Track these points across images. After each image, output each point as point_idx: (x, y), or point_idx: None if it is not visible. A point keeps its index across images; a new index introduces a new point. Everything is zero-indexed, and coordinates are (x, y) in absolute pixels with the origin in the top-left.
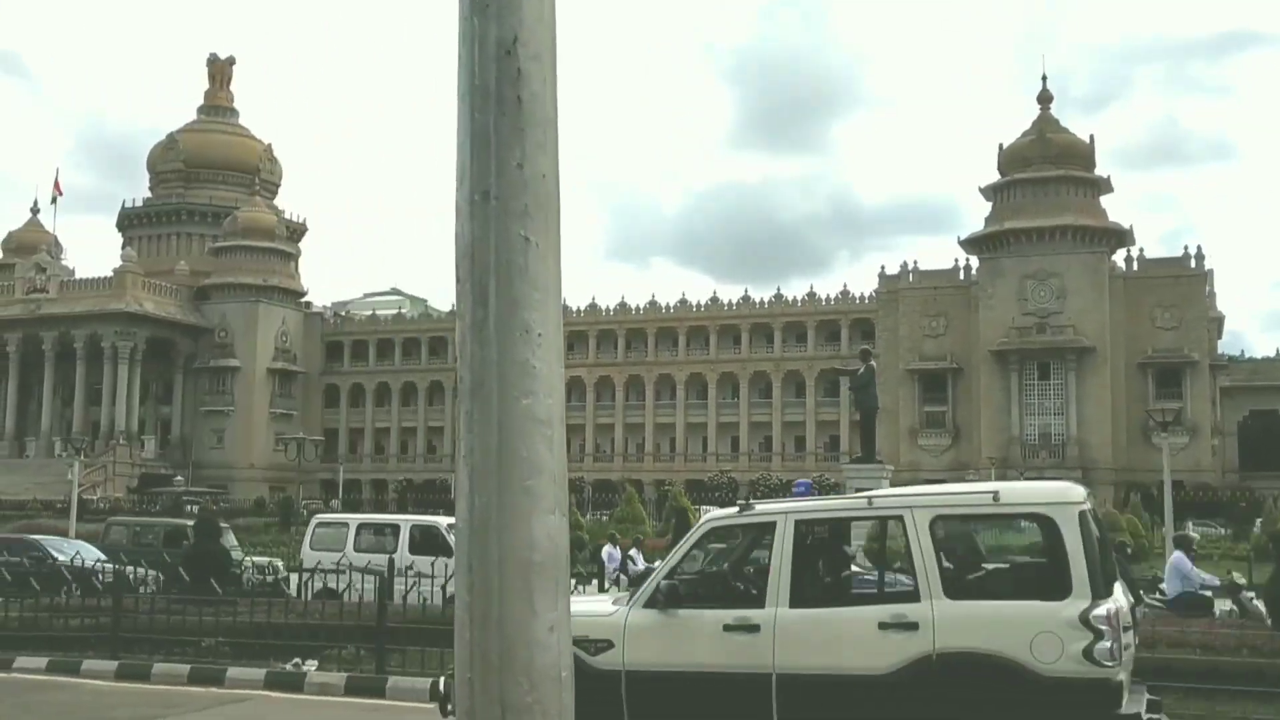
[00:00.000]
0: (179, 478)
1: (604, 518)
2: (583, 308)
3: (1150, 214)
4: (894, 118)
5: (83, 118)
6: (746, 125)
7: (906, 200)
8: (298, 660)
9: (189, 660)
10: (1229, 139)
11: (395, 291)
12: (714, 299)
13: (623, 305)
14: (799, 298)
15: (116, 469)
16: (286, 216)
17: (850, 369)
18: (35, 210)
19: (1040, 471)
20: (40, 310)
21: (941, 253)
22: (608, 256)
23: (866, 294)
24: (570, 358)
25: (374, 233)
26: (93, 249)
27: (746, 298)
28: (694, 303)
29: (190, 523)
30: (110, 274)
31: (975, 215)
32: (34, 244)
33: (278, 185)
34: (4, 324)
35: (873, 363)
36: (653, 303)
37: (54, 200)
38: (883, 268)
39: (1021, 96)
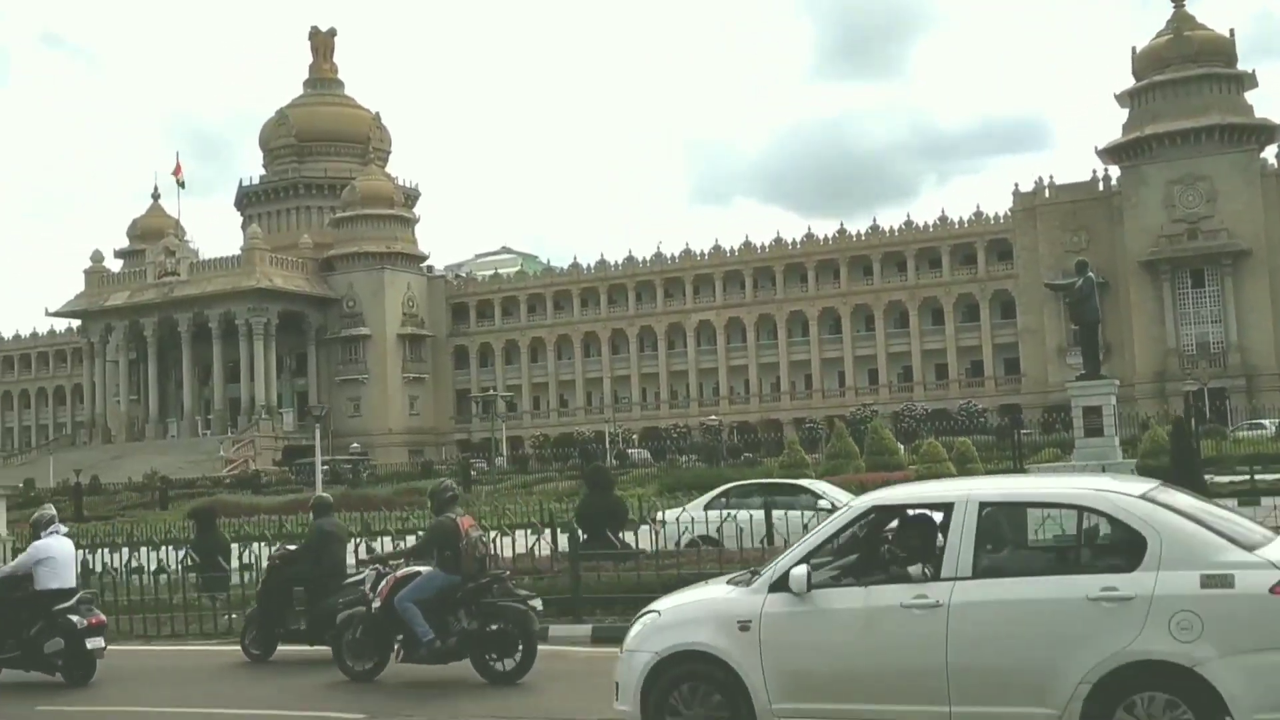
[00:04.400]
0: (355, 444)
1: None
2: (706, 250)
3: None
4: (973, 37)
5: (165, 105)
6: (825, 57)
7: (991, 120)
8: None
9: None
10: None
11: (506, 250)
12: (841, 230)
13: (747, 244)
14: (930, 222)
15: (260, 443)
16: (399, 183)
17: (1064, 282)
18: (156, 196)
19: (1203, 383)
20: (173, 293)
21: (1041, 169)
22: (691, 201)
23: (1001, 213)
24: (697, 300)
25: (480, 193)
26: (200, 230)
27: (875, 226)
28: (820, 236)
29: None
30: (237, 252)
31: (1069, 129)
32: (159, 229)
33: (388, 153)
34: (140, 309)
35: (1091, 274)
36: (778, 239)
37: (180, 184)
38: (1016, 185)
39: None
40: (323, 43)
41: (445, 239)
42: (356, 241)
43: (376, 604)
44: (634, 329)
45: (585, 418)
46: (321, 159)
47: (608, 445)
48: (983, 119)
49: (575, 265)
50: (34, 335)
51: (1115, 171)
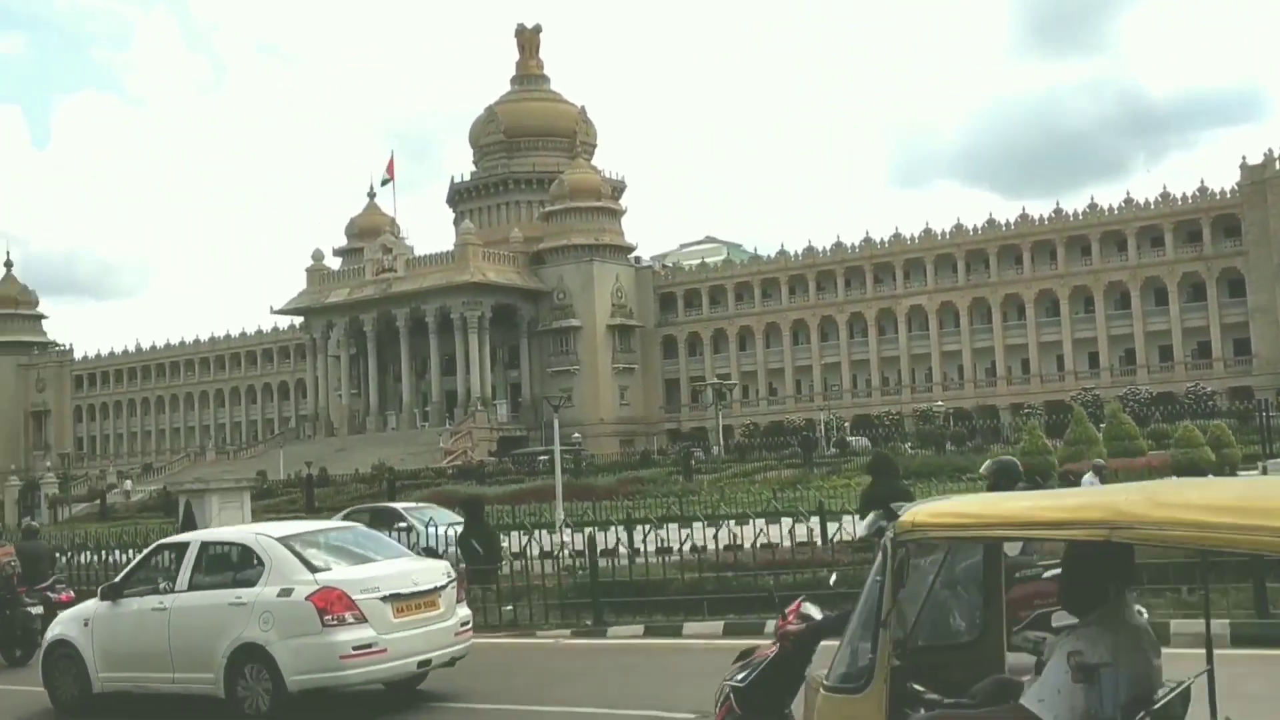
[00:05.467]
0: (576, 435)
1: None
2: (916, 234)
3: None
4: (1181, 6)
5: (377, 107)
6: (1024, 34)
7: (1204, 93)
8: None
9: None
10: None
11: (710, 239)
12: (1057, 210)
13: (959, 227)
14: (1151, 199)
15: (476, 434)
16: (606, 175)
17: None
18: (371, 195)
19: None
20: (391, 289)
21: (1261, 142)
22: (889, 184)
23: (1227, 188)
24: (908, 285)
25: (683, 183)
26: (414, 227)
27: (1093, 205)
28: (1035, 216)
29: None
30: (450, 248)
31: None
32: (376, 227)
33: (594, 146)
34: (360, 305)
35: None
36: (990, 221)
37: (385, 182)
38: (1243, 158)
39: None
40: (529, 40)
41: (651, 230)
42: (565, 234)
43: None
44: (843, 315)
45: (795, 405)
46: (530, 154)
47: (822, 433)
48: (1194, 92)
49: (782, 252)
50: (259, 333)
51: None
